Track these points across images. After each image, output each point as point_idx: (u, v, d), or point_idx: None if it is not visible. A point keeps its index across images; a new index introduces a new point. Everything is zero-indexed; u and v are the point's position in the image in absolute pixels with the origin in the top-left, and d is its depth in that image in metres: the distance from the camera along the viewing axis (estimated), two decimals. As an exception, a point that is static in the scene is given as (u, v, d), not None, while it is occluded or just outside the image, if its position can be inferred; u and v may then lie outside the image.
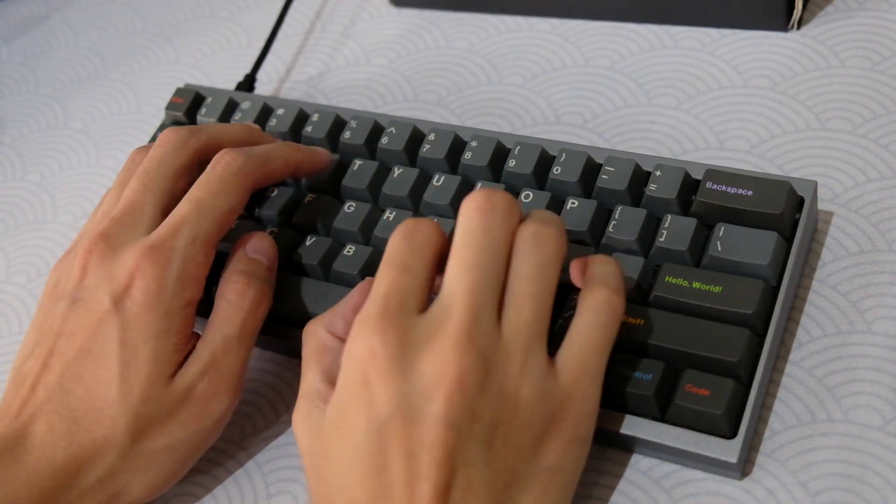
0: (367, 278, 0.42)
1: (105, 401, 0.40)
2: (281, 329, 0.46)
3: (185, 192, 0.44)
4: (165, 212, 0.43)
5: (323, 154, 0.48)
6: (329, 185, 0.49)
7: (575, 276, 0.40)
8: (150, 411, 0.40)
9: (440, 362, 0.34)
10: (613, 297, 0.37)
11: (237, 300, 0.42)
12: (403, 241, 0.37)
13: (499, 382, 0.35)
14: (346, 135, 0.50)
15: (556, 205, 0.44)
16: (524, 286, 0.36)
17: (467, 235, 0.37)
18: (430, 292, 0.38)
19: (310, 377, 0.39)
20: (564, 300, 0.41)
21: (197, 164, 0.45)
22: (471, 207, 0.37)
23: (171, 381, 0.41)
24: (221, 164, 0.43)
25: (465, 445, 0.34)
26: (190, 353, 0.42)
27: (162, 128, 0.55)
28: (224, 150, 0.44)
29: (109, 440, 0.40)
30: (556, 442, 0.36)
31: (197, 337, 0.42)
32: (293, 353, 0.47)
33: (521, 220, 0.38)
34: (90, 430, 0.40)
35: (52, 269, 0.44)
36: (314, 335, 0.40)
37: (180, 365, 0.41)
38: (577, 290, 0.41)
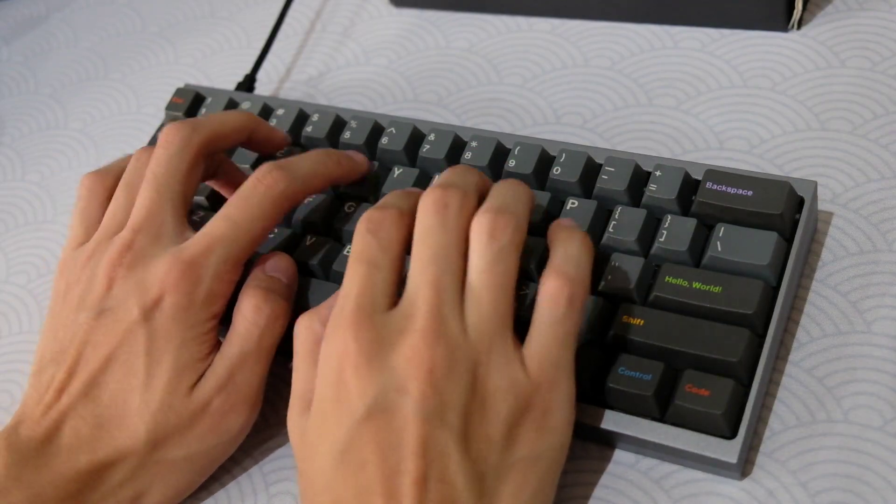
0: None
1: (129, 407, 0.40)
2: (281, 329, 0.46)
3: (195, 188, 0.45)
4: (182, 215, 0.44)
5: (363, 164, 0.48)
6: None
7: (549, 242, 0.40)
8: (170, 420, 0.40)
9: (410, 355, 0.35)
10: (569, 287, 0.37)
11: (254, 316, 0.42)
12: (370, 235, 0.38)
13: (466, 372, 0.35)
14: (346, 135, 0.50)
15: (556, 205, 0.44)
16: (480, 279, 0.37)
17: (425, 232, 0.38)
18: (399, 281, 0.38)
19: (303, 375, 0.39)
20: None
21: (203, 160, 0.45)
22: (426, 205, 0.38)
23: (191, 393, 0.41)
24: (263, 186, 0.43)
25: (440, 435, 0.34)
26: (211, 363, 0.42)
27: (162, 128, 0.55)
28: (268, 166, 0.43)
29: (130, 447, 0.40)
30: (528, 431, 0.36)
31: (220, 346, 0.43)
32: (292, 353, 0.47)
33: (481, 202, 0.39)
34: (114, 436, 0.40)
35: (58, 274, 0.44)
36: (310, 330, 0.40)
37: (203, 373, 0.42)
38: None
